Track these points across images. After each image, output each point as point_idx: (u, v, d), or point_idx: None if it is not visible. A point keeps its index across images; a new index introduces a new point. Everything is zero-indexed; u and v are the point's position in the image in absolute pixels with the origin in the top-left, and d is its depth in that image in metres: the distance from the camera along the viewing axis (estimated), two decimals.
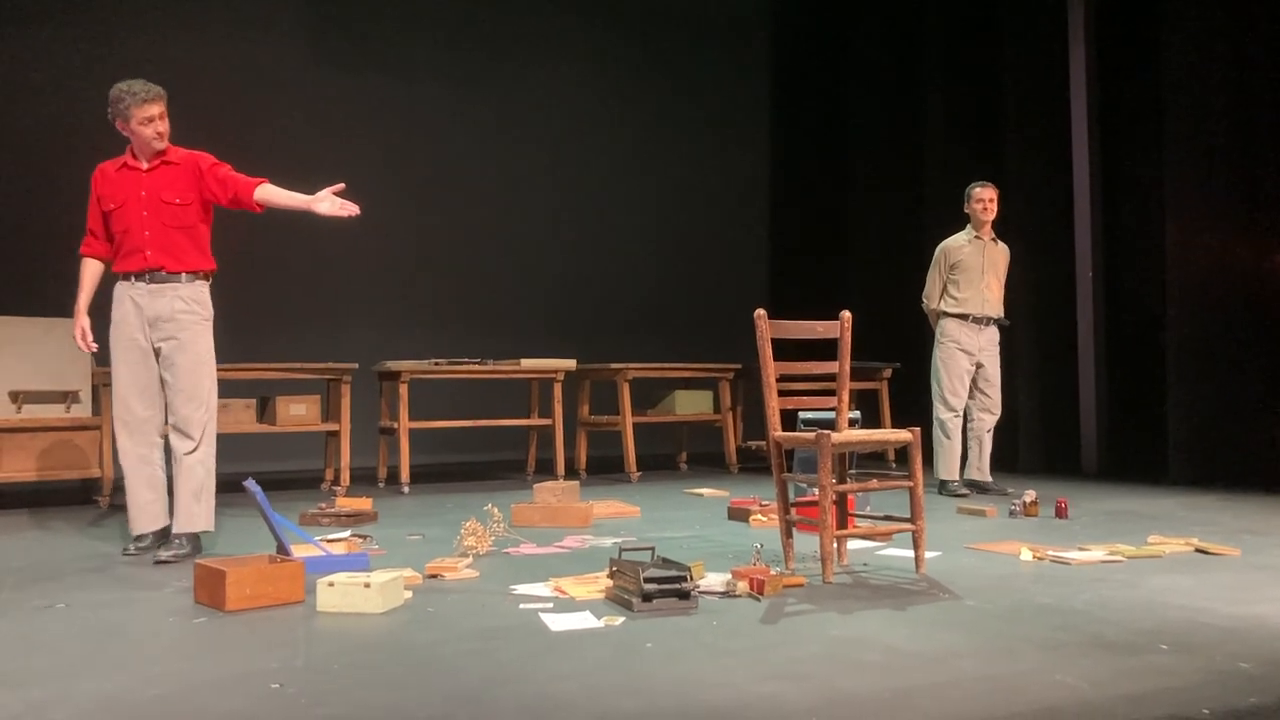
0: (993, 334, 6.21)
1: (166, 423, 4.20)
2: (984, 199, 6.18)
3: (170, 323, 4.10)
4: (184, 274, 4.14)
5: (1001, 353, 6.29)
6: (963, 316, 6.13)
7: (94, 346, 4.19)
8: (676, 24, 9.43)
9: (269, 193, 4.15)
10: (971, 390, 6.17)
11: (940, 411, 6.13)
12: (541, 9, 8.90)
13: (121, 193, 4.12)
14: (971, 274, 6.15)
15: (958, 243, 6.23)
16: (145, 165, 4.15)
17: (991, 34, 7.87)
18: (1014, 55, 7.67)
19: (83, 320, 4.17)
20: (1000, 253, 6.28)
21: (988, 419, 6.18)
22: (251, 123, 7.39)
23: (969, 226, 6.25)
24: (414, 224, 8.31)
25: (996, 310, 6.22)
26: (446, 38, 8.57)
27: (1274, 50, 6.35)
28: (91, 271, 4.22)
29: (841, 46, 9.55)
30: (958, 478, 6.08)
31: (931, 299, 6.27)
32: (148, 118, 4.05)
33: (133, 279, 4.12)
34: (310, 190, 4.21)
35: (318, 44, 8.14)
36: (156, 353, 4.12)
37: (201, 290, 4.19)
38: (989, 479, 6.15)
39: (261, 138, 7.17)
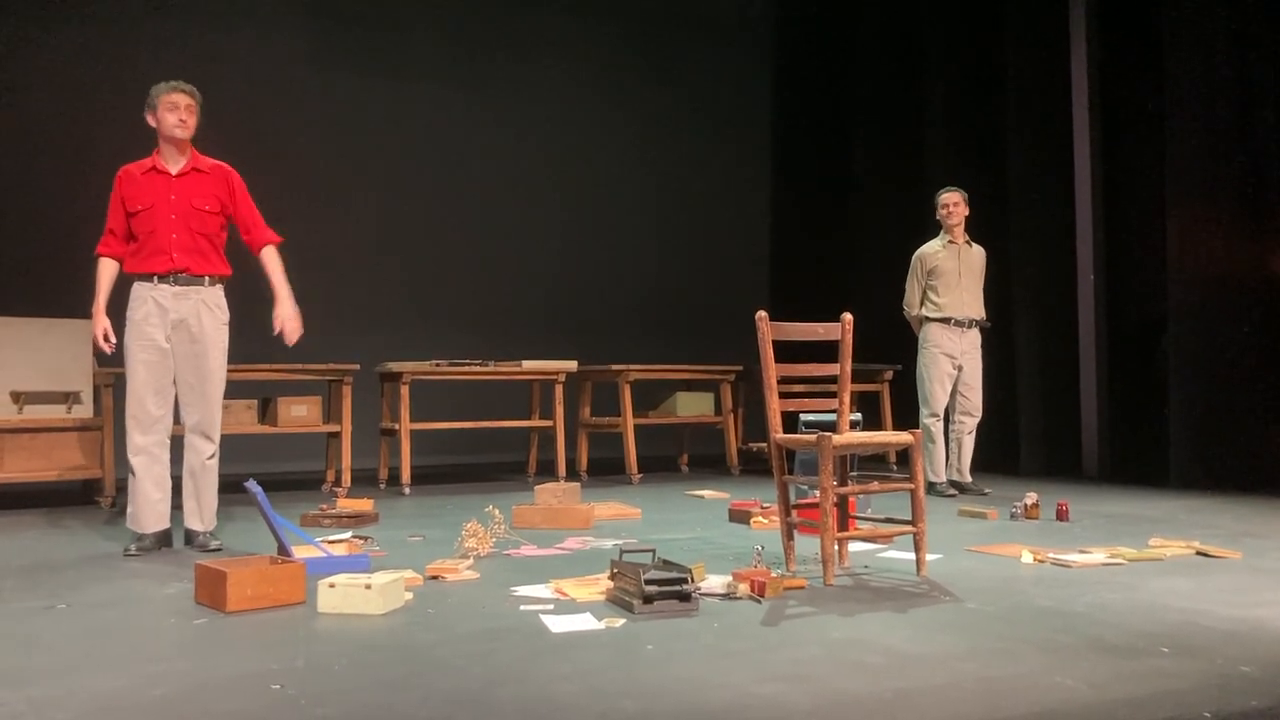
0: (974, 337, 6.29)
1: (178, 423, 4.26)
2: (947, 204, 6.29)
3: (197, 326, 4.20)
4: (207, 277, 4.24)
5: (986, 355, 6.36)
6: (945, 320, 6.22)
7: (113, 347, 4.22)
8: (678, 24, 9.43)
9: (271, 256, 4.39)
10: (952, 393, 6.22)
11: (924, 416, 6.25)
12: (542, 9, 8.91)
13: (149, 195, 4.18)
14: (948, 279, 6.24)
15: (932, 249, 6.32)
16: (174, 171, 4.22)
17: (993, 36, 7.87)
18: (1016, 57, 7.67)
19: (104, 321, 4.21)
20: (976, 256, 6.35)
21: (968, 421, 6.27)
22: (255, 124, 7.38)
23: (941, 232, 6.33)
24: (415, 225, 8.32)
25: (977, 312, 6.31)
26: (446, 38, 8.58)
27: (1276, 51, 6.35)
28: (110, 272, 4.27)
29: (843, 47, 9.55)
30: (944, 479, 6.20)
31: (912, 306, 6.37)
32: (172, 104, 4.15)
33: (155, 280, 4.17)
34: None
35: (320, 46, 8.15)
36: (174, 353, 4.19)
37: (222, 294, 4.31)
38: (968, 479, 6.26)
39: (264, 139, 7.18)
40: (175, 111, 4.15)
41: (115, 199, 4.22)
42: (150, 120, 4.21)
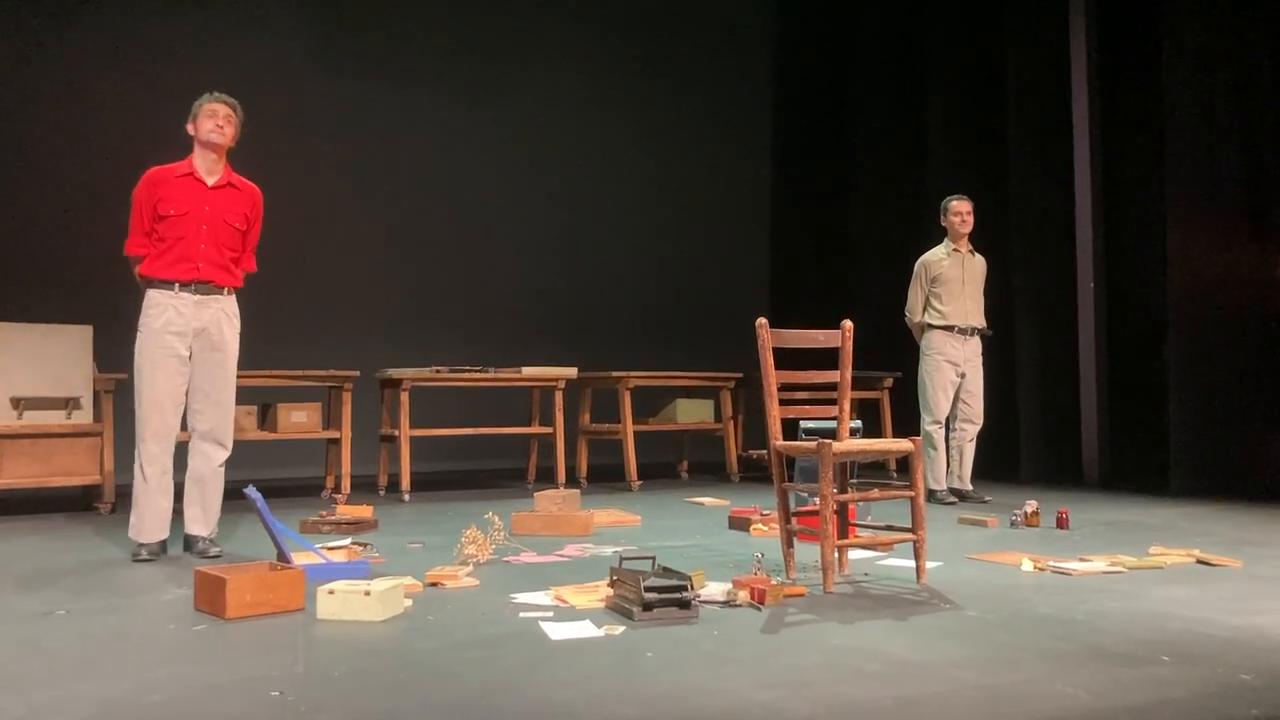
0: (976, 345, 6.29)
1: (186, 429, 4.29)
2: (961, 211, 6.28)
3: (218, 335, 4.25)
4: (226, 288, 4.30)
5: (986, 363, 6.36)
6: (948, 328, 6.22)
7: None
8: (678, 31, 9.45)
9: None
10: (954, 401, 6.22)
11: (926, 423, 6.24)
12: (542, 16, 8.92)
13: (185, 202, 4.20)
14: (952, 286, 6.23)
15: (937, 256, 6.31)
16: (210, 182, 4.25)
17: (994, 43, 7.88)
18: (1016, 63, 7.69)
19: None
20: (978, 264, 6.37)
21: (969, 429, 6.27)
22: (254, 132, 7.38)
23: (946, 239, 6.34)
24: (416, 231, 8.33)
25: (979, 321, 6.32)
26: (447, 46, 8.59)
27: (1276, 60, 6.36)
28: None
29: (843, 54, 9.56)
30: (945, 486, 6.19)
31: (914, 313, 6.35)
32: (211, 112, 4.23)
33: (176, 287, 4.19)
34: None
35: (319, 52, 8.16)
36: (193, 361, 4.23)
37: (236, 303, 4.37)
38: (969, 487, 6.25)
39: (264, 147, 7.16)
40: (213, 118, 4.22)
41: (144, 199, 4.21)
42: (190, 129, 4.27)
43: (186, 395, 4.24)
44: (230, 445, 4.34)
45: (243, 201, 4.34)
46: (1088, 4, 7.40)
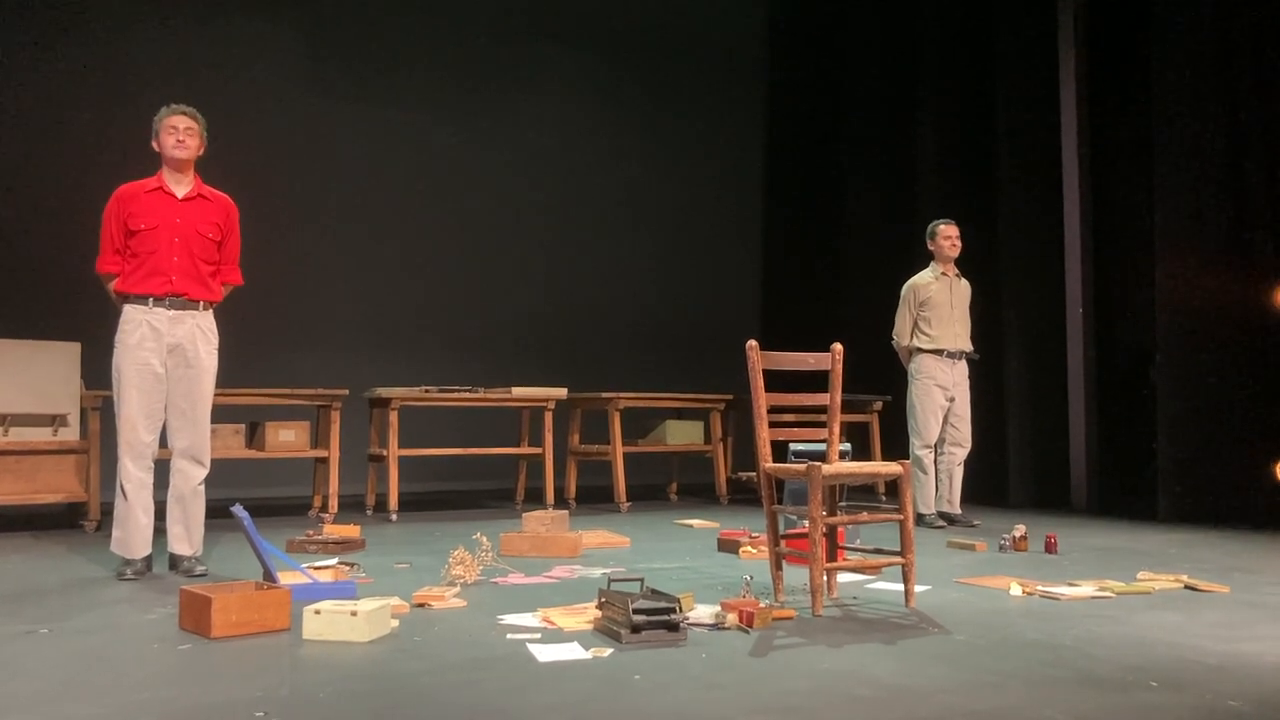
0: (964, 368, 6.32)
1: (165, 447, 4.26)
2: (951, 235, 6.32)
3: (193, 351, 4.22)
4: (201, 302, 4.27)
5: (975, 387, 6.38)
6: (937, 352, 6.23)
7: None
8: (671, 54, 9.50)
9: (223, 291, 4.43)
10: (943, 425, 6.23)
11: (916, 447, 6.24)
12: (534, 42, 8.97)
13: (155, 216, 4.19)
14: (941, 310, 6.26)
15: (924, 280, 6.33)
16: (180, 194, 4.24)
17: (984, 72, 7.95)
18: (1007, 92, 7.76)
19: None
20: (964, 288, 6.41)
21: (958, 452, 6.27)
22: (250, 151, 7.39)
23: (933, 264, 6.37)
24: (406, 250, 8.33)
25: (967, 344, 6.35)
26: (440, 68, 8.63)
27: (1264, 88, 6.42)
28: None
29: (835, 79, 9.62)
30: (934, 510, 6.19)
31: (903, 336, 6.36)
32: (171, 127, 4.21)
33: (150, 302, 4.17)
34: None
35: (314, 74, 8.18)
36: (168, 378, 4.20)
37: (213, 319, 4.34)
38: (958, 510, 6.25)
39: (257, 167, 7.18)
40: (174, 134, 4.20)
41: (113, 217, 4.21)
42: (155, 146, 4.26)
43: (167, 412, 4.22)
44: (208, 463, 4.31)
45: (214, 212, 4.31)
46: (1077, 34, 7.48)
